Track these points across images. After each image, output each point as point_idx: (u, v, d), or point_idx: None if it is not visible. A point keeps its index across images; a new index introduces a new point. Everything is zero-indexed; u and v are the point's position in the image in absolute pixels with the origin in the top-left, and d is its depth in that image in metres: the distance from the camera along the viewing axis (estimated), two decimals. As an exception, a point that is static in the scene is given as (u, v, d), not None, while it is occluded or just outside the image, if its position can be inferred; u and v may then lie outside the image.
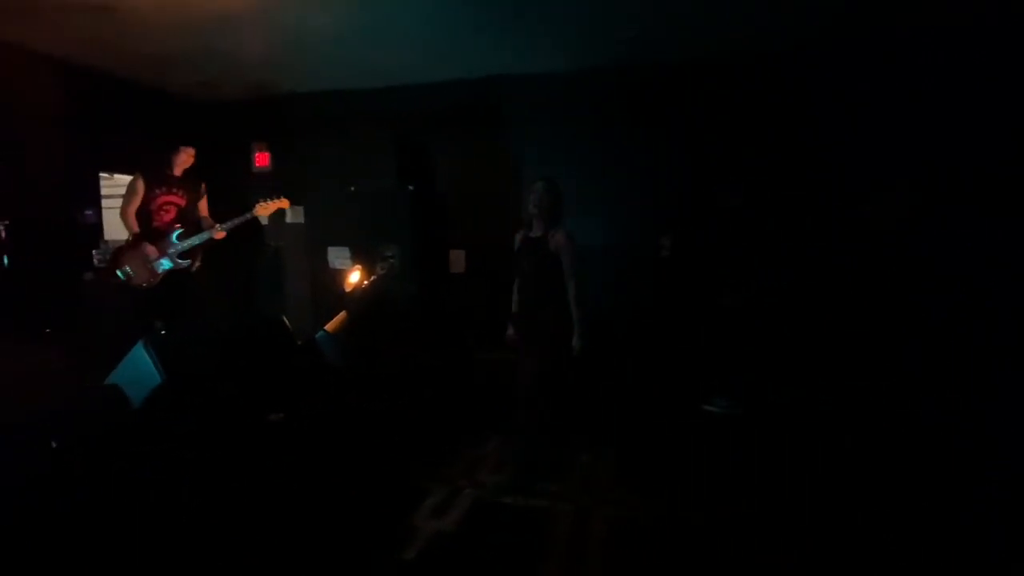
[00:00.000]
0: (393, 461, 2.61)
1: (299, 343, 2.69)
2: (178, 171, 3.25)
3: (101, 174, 4.39)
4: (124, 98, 4.59)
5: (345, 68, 4.50)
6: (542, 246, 2.55)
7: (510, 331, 2.78)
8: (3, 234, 3.24)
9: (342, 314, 3.05)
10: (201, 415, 2.04)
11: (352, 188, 3.97)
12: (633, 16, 3.44)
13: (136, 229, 3.13)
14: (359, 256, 3.80)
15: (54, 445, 1.52)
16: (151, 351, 1.98)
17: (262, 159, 5.41)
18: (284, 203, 3.46)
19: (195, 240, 3.21)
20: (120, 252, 3.12)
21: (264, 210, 3.35)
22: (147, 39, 3.76)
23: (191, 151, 3.27)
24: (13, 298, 3.29)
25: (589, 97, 4.59)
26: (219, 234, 3.22)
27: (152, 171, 3.20)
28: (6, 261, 3.25)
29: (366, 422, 2.70)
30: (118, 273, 3.02)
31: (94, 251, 3.98)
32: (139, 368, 1.99)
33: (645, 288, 4.48)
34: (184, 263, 3.20)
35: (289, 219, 5.43)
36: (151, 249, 3.10)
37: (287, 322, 2.68)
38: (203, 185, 3.42)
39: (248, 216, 3.30)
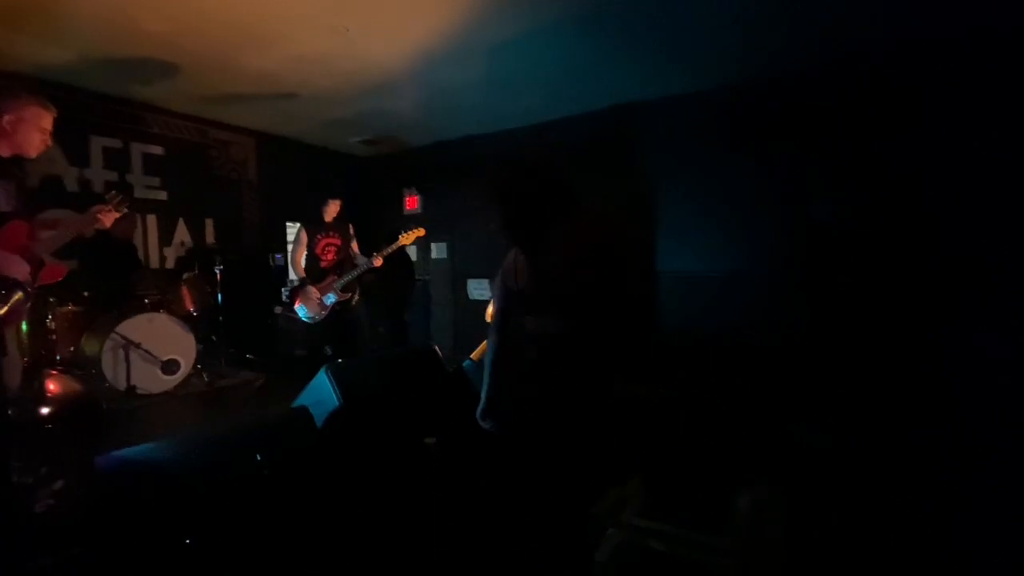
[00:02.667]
0: (537, 492, 2.62)
1: (448, 371, 2.87)
2: (329, 218, 3.75)
3: (287, 223, 5.21)
4: (301, 158, 5.41)
5: (477, 115, 4.82)
6: None
7: None
8: (220, 275, 3.96)
9: (484, 343, 3.18)
10: (371, 436, 2.25)
11: (490, 225, 4.17)
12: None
13: (303, 273, 3.68)
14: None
15: (258, 458, 1.79)
16: (331, 377, 2.26)
17: (411, 203, 6.01)
18: (421, 231, 3.87)
19: (354, 273, 3.68)
20: (294, 292, 3.70)
21: (407, 239, 3.79)
22: (321, 110, 4.45)
23: (338, 201, 3.77)
24: (225, 328, 4.00)
25: (725, 117, 4.36)
26: (377, 261, 3.66)
27: (311, 221, 3.74)
28: (220, 298, 3.97)
29: (510, 450, 2.76)
30: (296, 309, 3.55)
31: (282, 288, 4.69)
32: (322, 392, 2.27)
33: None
34: (346, 296, 3.66)
35: (434, 255, 5.93)
36: (315, 289, 3.62)
37: (438, 351, 2.88)
38: (351, 227, 3.93)
39: (396, 245, 3.75)
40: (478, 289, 5.54)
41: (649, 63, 3.74)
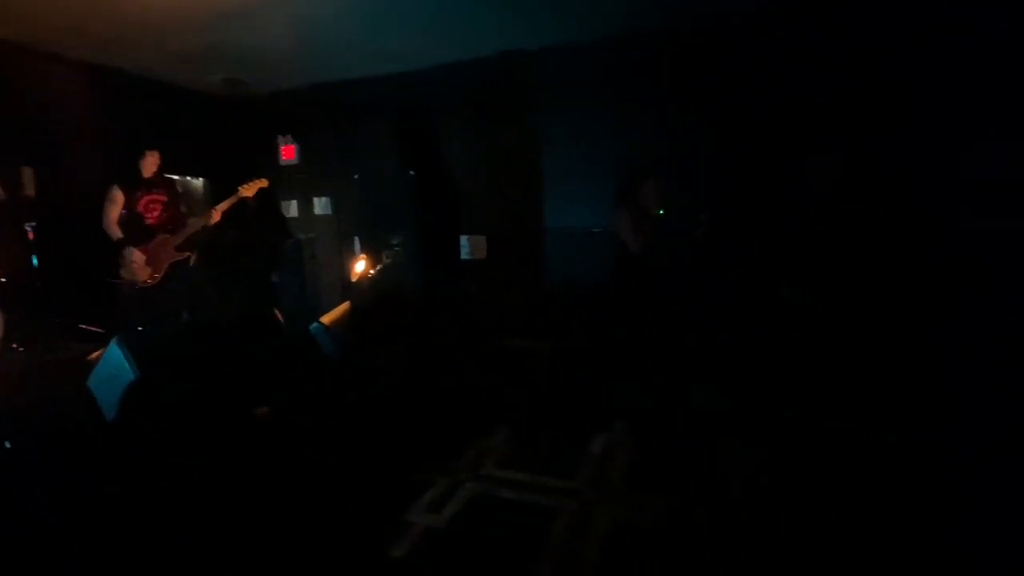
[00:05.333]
0: (394, 455, 2.53)
1: (288, 335, 2.65)
2: (148, 173, 3.41)
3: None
4: (148, 98, 4.74)
5: (357, 56, 4.42)
6: None
7: None
8: (31, 235, 3.40)
9: (344, 305, 2.99)
10: (176, 412, 2.01)
11: (356, 176, 3.90)
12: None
13: (119, 234, 3.33)
14: (367, 245, 3.72)
15: (7, 445, 1.52)
16: (124, 348, 1.98)
17: (288, 152, 5.48)
18: (263, 182, 3.75)
19: (189, 230, 3.40)
20: (116, 257, 3.31)
21: (247, 190, 3.62)
22: (168, 38, 3.86)
23: (156, 154, 3.44)
24: (46, 298, 3.47)
25: (616, 67, 4.24)
26: (215, 216, 3.41)
27: (125, 178, 3.39)
28: (35, 261, 3.43)
29: (366, 415, 2.63)
30: (122, 275, 3.16)
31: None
32: (115, 365, 1.99)
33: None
34: (182, 255, 3.35)
35: (317, 211, 5.50)
36: (138, 251, 3.30)
37: (278, 314, 2.65)
38: (175, 183, 3.69)
39: (235, 198, 3.54)
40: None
41: (535, 9, 3.54)
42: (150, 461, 1.86)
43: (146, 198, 3.37)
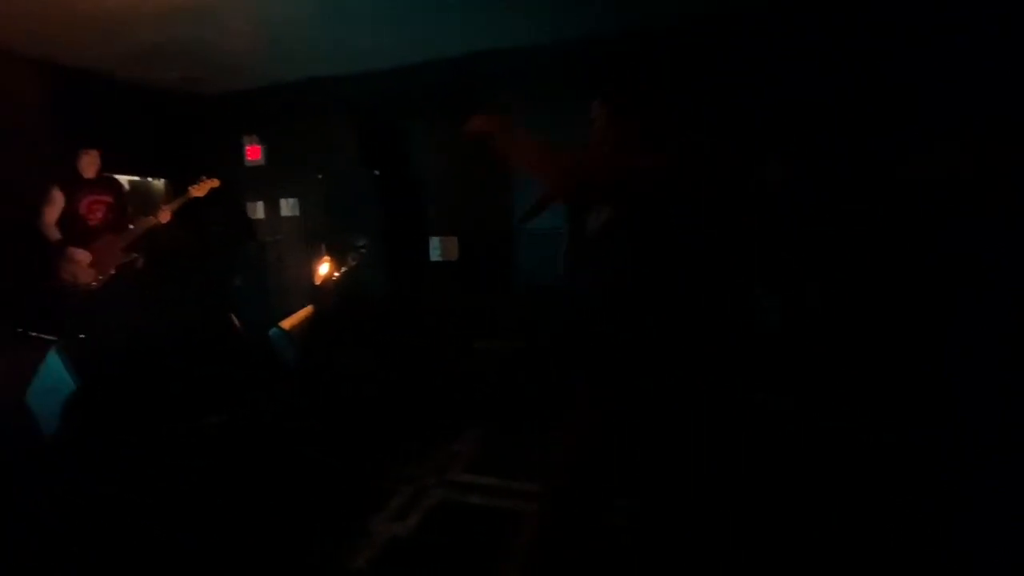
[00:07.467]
0: (356, 461, 2.47)
1: (245, 342, 2.56)
2: (88, 173, 3.32)
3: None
4: (104, 96, 4.55)
5: (323, 55, 4.33)
6: None
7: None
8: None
9: (306, 309, 2.91)
10: (119, 424, 1.92)
11: (320, 176, 3.82)
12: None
13: (58, 235, 3.20)
14: (331, 247, 3.65)
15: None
16: (63, 356, 1.88)
17: (253, 152, 5.33)
18: (214, 182, 3.74)
19: (135, 231, 3.32)
20: (56, 259, 3.19)
21: (198, 190, 3.59)
22: (120, 33, 3.71)
23: (95, 153, 3.34)
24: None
25: (577, 69, 4.26)
26: (164, 216, 3.34)
27: (66, 178, 3.29)
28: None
29: (327, 421, 2.56)
30: (63, 276, 3.04)
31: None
32: (54, 376, 1.89)
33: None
34: (129, 257, 3.26)
35: (284, 212, 5.37)
36: (80, 251, 3.18)
37: (235, 320, 2.56)
38: (120, 183, 3.58)
39: (185, 197, 3.51)
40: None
41: (503, 10, 3.51)
42: (90, 476, 1.77)
43: (88, 199, 3.27)
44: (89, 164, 3.27)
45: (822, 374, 3.13)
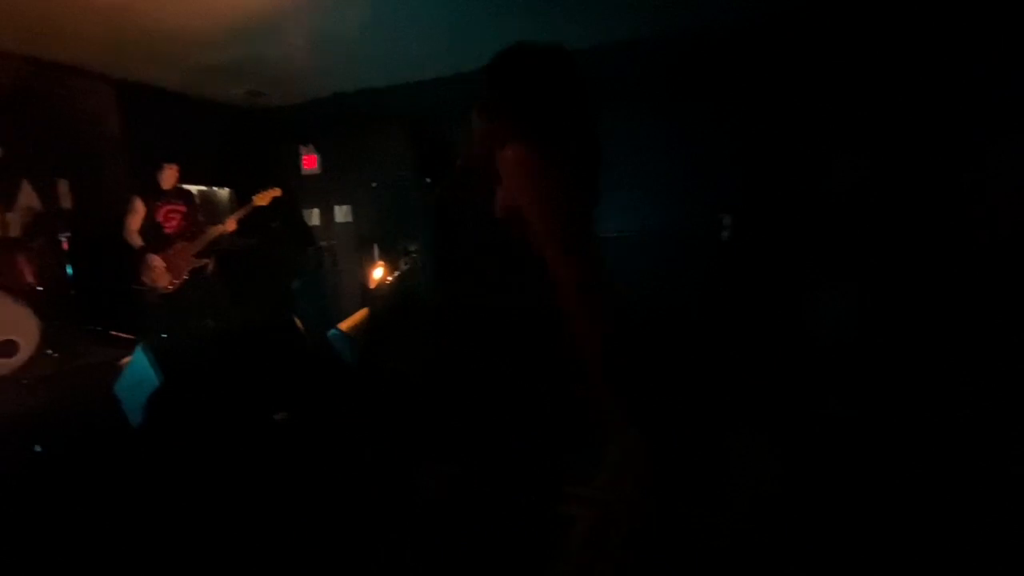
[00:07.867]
0: (404, 461, 2.53)
1: (308, 343, 2.69)
2: (167, 185, 3.57)
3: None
4: (175, 111, 4.87)
5: (377, 66, 4.49)
6: None
7: None
8: (65, 245, 3.53)
9: (363, 311, 3.02)
10: (199, 417, 2.06)
11: (374, 184, 3.94)
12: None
13: (140, 243, 3.47)
14: (385, 252, 3.76)
15: (38, 449, 1.57)
16: (149, 354, 2.03)
17: (310, 162, 5.58)
18: (277, 191, 3.83)
19: (206, 238, 3.53)
20: (137, 265, 3.46)
21: (261, 199, 3.71)
22: (191, 54, 3.98)
23: (174, 167, 3.58)
24: (79, 303, 3.60)
25: (639, 70, 4.23)
26: (230, 225, 3.53)
27: (146, 189, 3.55)
28: (70, 270, 3.56)
29: (385, 421, 2.64)
30: (143, 281, 3.28)
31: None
32: (141, 372, 2.04)
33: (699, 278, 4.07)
34: (200, 263, 3.49)
35: (338, 219, 5.58)
36: (157, 257, 3.44)
37: (298, 322, 2.69)
38: (192, 193, 3.80)
39: (249, 207, 3.65)
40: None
41: (554, 16, 3.58)
42: (170, 466, 1.91)
43: (165, 208, 3.52)
44: (169, 177, 3.53)
45: (892, 382, 3.01)
